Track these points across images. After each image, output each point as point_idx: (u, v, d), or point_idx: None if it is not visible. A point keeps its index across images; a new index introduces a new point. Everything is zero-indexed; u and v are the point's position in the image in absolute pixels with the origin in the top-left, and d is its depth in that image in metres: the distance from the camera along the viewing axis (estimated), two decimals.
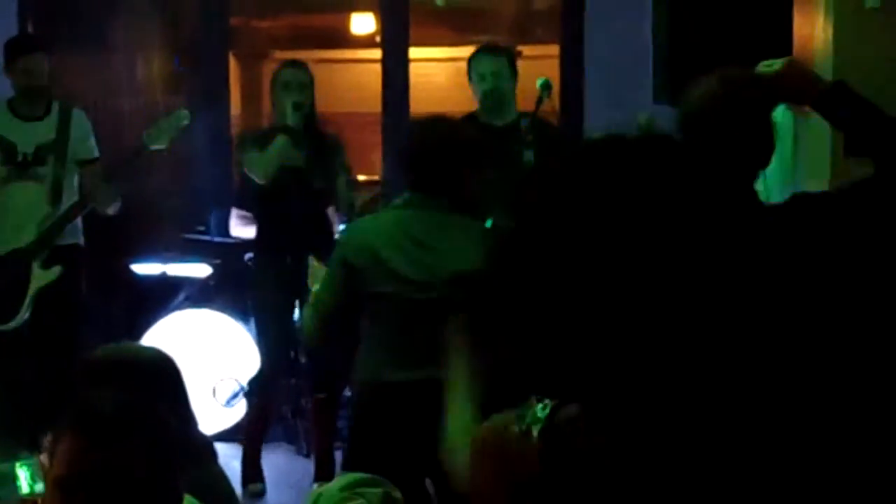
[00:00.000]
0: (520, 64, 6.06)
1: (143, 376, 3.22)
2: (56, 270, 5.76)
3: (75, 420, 2.44)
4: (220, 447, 3.66)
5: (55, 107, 5.95)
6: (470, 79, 5.90)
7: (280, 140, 5.73)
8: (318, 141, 5.92)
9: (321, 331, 4.18)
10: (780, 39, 4.41)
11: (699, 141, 2.86)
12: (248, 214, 6.12)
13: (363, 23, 9.79)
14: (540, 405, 1.57)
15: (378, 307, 4.02)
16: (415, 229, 3.98)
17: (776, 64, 3.05)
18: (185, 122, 5.74)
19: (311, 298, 4.20)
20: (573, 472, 1.51)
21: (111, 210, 5.90)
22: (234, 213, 6.23)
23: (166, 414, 2.59)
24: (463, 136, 4.14)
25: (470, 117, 5.95)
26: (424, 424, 3.77)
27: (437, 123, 4.19)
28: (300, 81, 5.91)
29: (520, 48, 8.08)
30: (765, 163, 2.97)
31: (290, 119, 5.76)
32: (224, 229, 6.49)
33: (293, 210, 5.71)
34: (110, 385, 3.09)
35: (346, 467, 4.08)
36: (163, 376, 3.32)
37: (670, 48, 4.58)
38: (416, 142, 4.10)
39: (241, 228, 6.19)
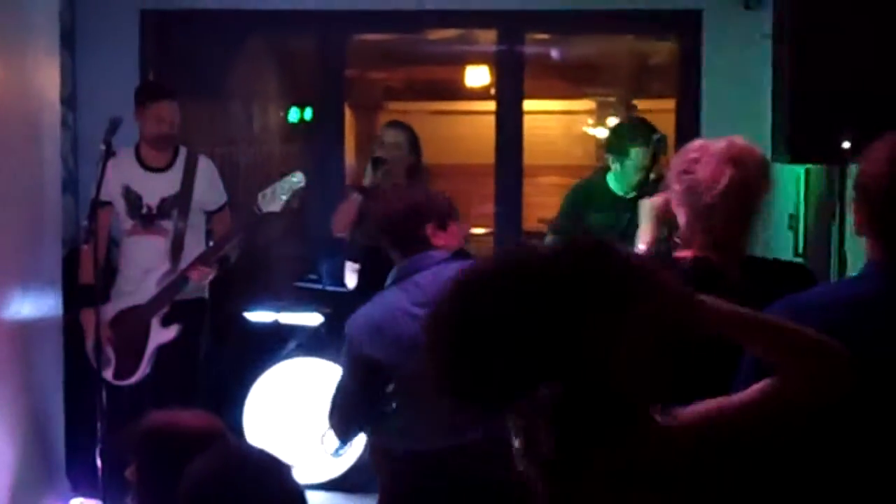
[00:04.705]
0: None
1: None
2: (174, 329, 5.68)
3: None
4: (327, 496, 3.63)
5: (181, 156, 5.85)
6: (611, 151, 5.80)
7: (356, 196, 5.75)
8: None
9: (347, 429, 4.05)
10: None
11: (881, 211, 2.64)
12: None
13: (478, 75, 9.82)
14: None
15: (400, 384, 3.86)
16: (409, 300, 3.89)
17: None
18: (300, 184, 5.62)
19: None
20: None
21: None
22: (349, 266, 6.24)
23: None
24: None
25: (601, 177, 5.87)
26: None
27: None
28: (391, 141, 5.90)
29: (635, 102, 8.04)
30: None
31: (367, 177, 5.77)
32: (336, 278, 6.50)
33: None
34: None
35: None
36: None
37: (790, 105, 4.50)
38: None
39: (356, 281, 6.19)
